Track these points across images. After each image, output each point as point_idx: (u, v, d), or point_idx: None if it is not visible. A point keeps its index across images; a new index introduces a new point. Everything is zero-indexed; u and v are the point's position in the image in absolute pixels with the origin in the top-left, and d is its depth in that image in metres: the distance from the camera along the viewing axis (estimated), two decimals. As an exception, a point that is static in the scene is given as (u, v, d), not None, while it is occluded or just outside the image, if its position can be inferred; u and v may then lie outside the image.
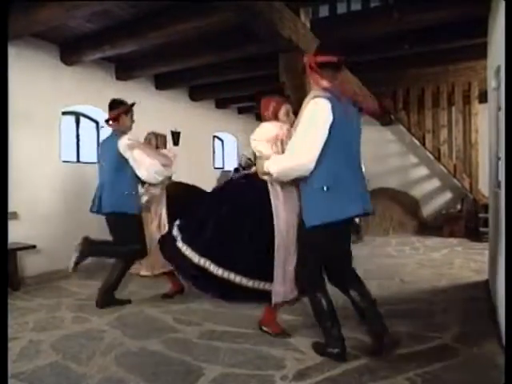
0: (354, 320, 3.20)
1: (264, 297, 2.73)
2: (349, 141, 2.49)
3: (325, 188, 2.39)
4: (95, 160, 5.24)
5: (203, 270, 2.70)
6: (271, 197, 2.72)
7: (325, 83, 2.48)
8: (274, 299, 2.72)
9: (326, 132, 2.38)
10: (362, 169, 2.60)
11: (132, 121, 3.84)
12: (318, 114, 2.40)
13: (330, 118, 2.38)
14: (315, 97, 2.44)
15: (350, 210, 2.43)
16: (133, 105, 3.83)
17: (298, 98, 4.11)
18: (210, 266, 2.68)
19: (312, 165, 2.41)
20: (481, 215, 6.85)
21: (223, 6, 3.38)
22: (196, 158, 7.85)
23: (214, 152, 8.90)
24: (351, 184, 2.43)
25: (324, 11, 4.99)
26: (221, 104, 8.55)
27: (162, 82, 6.79)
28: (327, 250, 2.57)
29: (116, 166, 3.62)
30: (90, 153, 5.88)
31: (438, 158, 7.60)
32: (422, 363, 2.44)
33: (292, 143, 2.50)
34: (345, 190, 2.41)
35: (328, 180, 2.40)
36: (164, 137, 4.24)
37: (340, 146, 2.43)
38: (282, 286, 2.70)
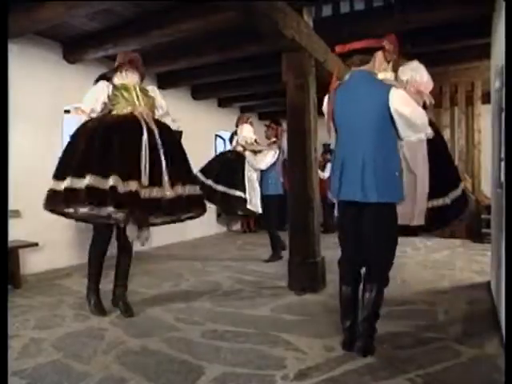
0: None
1: None
2: (350, 128, 2.56)
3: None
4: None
5: None
6: None
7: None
8: None
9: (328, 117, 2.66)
10: (365, 155, 2.46)
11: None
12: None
13: (325, 108, 2.69)
14: None
15: (333, 194, 2.68)
16: (103, 77, 3.43)
17: (300, 97, 4.15)
18: None
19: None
20: (483, 216, 6.83)
21: (226, 5, 3.38)
22: (198, 156, 7.81)
23: (216, 151, 8.90)
24: (342, 170, 2.57)
25: (327, 11, 4.98)
26: (223, 103, 8.56)
27: (165, 81, 6.79)
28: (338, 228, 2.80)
29: None
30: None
31: (441, 159, 7.58)
32: (423, 364, 2.43)
33: None
34: (335, 174, 2.62)
35: (332, 164, 2.74)
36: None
37: (343, 133, 2.62)
38: None
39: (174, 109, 7.36)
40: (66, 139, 5.34)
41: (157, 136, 3.09)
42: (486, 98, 6.46)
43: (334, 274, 4.48)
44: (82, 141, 3.04)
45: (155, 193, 2.97)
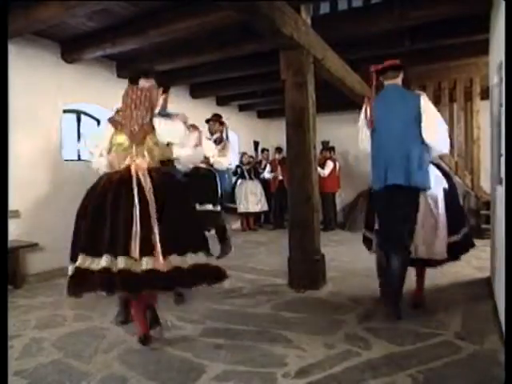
0: (355, 317, 3.22)
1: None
2: (390, 129, 3.12)
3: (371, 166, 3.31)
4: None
5: None
6: None
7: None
8: None
9: (363, 126, 3.31)
10: (405, 150, 3.06)
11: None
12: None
13: (363, 118, 3.28)
14: None
15: (375, 185, 3.25)
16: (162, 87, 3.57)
17: (299, 95, 4.14)
18: None
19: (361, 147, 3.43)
20: (482, 212, 6.84)
21: (224, 4, 3.38)
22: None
23: (215, 149, 8.89)
24: (381, 164, 3.15)
25: (325, 8, 4.98)
26: (222, 101, 8.55)
27: (163, 80, 6.77)
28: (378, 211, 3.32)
29: None
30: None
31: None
32: (423, 360, 2.44)
33: None
34: (376, 169, 3.22)
35: (372, 162, 3.30)
36: None
37: (379, 134, 3.19)
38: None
39: (173, 107, 7.36)
40: (65, 139, 5.38)
41: (148, 195, 2.52)
42: (484, 94, 6.45)
43: (334, 272, 4.50)
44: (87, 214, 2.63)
45: (145, 265, 2.41)
